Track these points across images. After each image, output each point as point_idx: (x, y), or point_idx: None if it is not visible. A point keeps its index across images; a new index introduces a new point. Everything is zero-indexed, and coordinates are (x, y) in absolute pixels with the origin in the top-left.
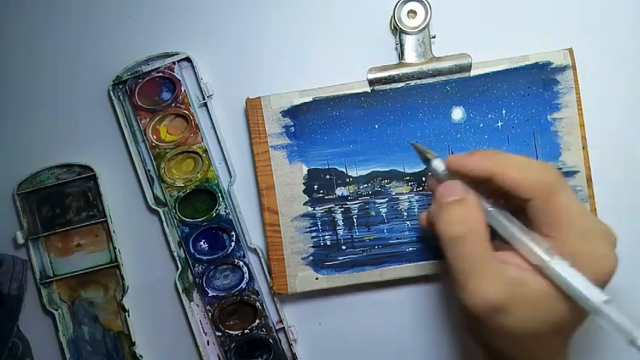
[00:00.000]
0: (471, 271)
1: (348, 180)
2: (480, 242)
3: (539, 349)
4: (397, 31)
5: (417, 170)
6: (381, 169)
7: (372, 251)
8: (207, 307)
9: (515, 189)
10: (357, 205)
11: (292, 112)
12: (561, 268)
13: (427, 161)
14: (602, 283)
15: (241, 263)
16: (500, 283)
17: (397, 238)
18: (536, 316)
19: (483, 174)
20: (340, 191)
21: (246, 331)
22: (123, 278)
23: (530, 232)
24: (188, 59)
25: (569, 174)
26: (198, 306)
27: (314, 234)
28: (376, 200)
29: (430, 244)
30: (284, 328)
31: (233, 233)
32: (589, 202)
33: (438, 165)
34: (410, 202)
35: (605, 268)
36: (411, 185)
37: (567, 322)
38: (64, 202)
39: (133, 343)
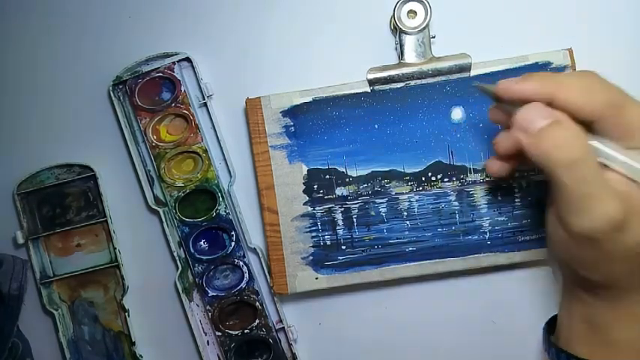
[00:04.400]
0: (592, 193)
1: (347, 180)
2: (594, 162)
3: None
4: (397, 31)
5: (417, 170)
6: (381, 169)
7: (371, 251)
8: (207, 307)
9: (579, 112)
10: (356, 205)
11: (292, 112)
12: None
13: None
14: None
15: (241, 263)
16: (617, 200)
17: (397, 238)
18: None
19: (543, 98)
20: (340, 191)
21: (246, 331)
22: (123, 278)
23: (620, 148)
24: (188, 59)
25: None
26: (198, 306)
27: (314, 234)
28: (376, 200)
29: (429, 243)
30: (284, 328)
31: (233, 233)
32: None
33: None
34: (410, 201)
35: None
36: (411, 185)
37: None
38: (64, 202)
39: (133, 343)
